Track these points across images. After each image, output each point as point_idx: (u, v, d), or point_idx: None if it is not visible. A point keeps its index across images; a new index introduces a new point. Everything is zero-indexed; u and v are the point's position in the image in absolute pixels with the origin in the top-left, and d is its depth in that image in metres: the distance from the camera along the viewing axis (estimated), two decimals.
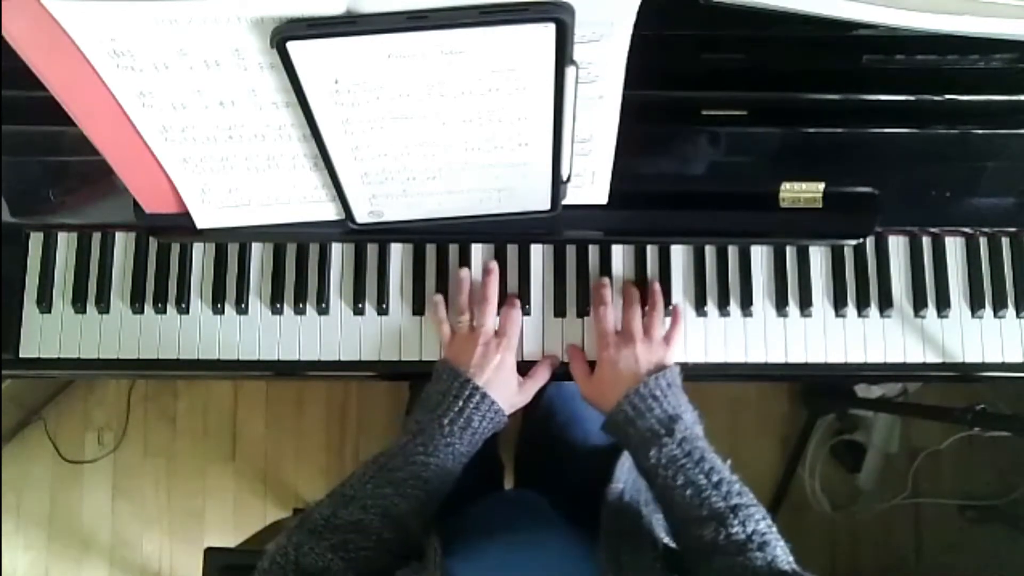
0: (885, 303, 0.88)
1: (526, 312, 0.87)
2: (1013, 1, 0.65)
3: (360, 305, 0.87)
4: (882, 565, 1.72)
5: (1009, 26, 0.66)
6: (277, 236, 0.87)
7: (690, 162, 0.84)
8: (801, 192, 0.84)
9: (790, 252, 0.89)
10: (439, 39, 0.57)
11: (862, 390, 1.67)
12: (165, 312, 0.88)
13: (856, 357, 0.88)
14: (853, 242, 0.88)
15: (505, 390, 0.80)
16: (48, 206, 0.86)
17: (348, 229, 0.81)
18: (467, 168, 0.72)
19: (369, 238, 0.87)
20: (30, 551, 1.76)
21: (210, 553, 1.10)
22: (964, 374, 0.89)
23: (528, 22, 0.56)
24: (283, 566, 0.64)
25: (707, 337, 0.88)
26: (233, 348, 0.88)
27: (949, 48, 0.79)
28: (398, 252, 0.89)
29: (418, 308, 0.88)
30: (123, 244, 0.89)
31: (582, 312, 0.88)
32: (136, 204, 0.80)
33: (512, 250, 0.89)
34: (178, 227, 0.80)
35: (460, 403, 0.76)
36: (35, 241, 0.89)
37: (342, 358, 0.88)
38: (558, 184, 0.76)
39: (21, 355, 0.87)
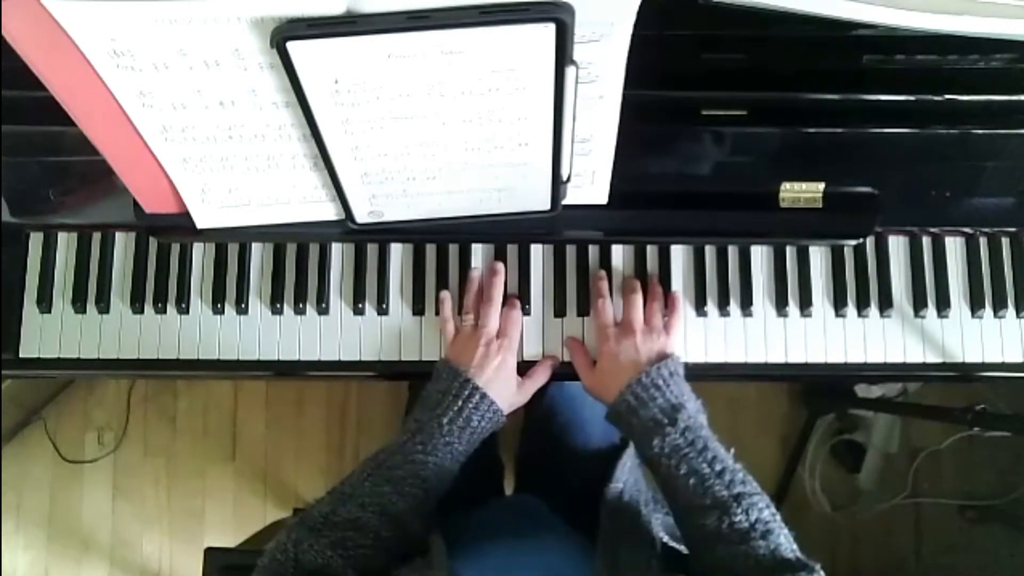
0: (885, 303, 0.88)
1: (526, 312, 0.87)
2: (1013, 1, 0.65)
3: (360, 305, 0.87)
4: (882, 565, 1.72)
5: (1009, 26, 0.66)
6: (277, 236, 0.87)
7: (690, 162, 0.84)
8: (801, 192, 0.84)
9: (790, 252, 0.89)
10: (439, 39, 0.57)
11: (862, 390, 1.67)
12: (165, 312, 0.88)
13: (856, 357, 0.88)
14: (853, 242, 0.88)
15: (505, 390, 0.80)
16: (48, 206, 0.86)
17: (348, 229, 0.81)
18: (467, 168, 0.72)
19: (369, 238, 0.87)
20: (30, 551, 1.76)
21: (210, 553, 1.10)
22: (964, 374, 0.89)
23: (528, 22, 0.56)
24: (283, 563, 0.64)
25: (707, 337, 0.88)
26: (233, 348, 0.88)
27: (949, 48, 0.79)
28: (398, 252, 0.89)
29: (418, 308, 0.88)
30: (123, 244, 0.89)
31: (582, 312, 0.88)
32: (136, 204, 0.80)
33: (512, 250, 0.89)
34: (178, 227, 0.80)
35: (460, 403, 0.76)
36: (35, 241, 0.89)
37: (342, 358, 0.88)
38: (558, 184, 0.76)
39: (21, 355, 0.88)
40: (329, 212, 0.81)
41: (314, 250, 0.89)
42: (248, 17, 0.56)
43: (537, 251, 0.89)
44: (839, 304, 0.88)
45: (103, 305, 0.88)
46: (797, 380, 1.66)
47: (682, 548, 0.77)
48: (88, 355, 0.88)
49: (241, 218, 0.80)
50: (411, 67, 0.59)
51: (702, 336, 0.88)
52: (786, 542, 0.66)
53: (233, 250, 0.89)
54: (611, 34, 0.61)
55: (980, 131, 0.82)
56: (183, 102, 0.64)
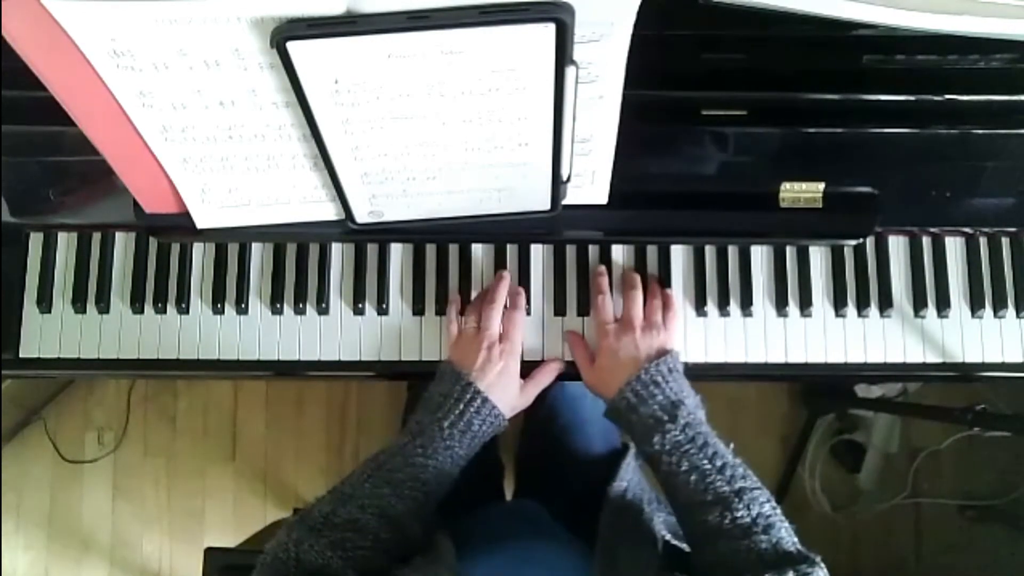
0: (885, 303, 0.88)
1: (526, 312, 0.87)
2: (1013, 1, 0.65)
3: (360, 305, 0.87)
4: (882, 565, 1.72)
5: (1009, 26, 0.66)
6: (277, 236, 0.87)
7: (690, 162, 0.84)
8: (801, 192, 0.84)
9: (790, 252, 0.89)
10: (439, 39, 0.57)
11: (862, 390, 1.67)
12: (165, 312, 0.88)
13: (856, 357, 0.88)
14: (853, 242, 0.88)
15: (507, 394, 0.80)
16: (48, 206, 0.86)
17: (348, 229, 0.81)
18: (467, 168, 0.72)
19: (369, 238, 0.87)
20: (30, 551, 1.76)
21: (210, 553, 1.10)
22: (964, 374, 0.89)
23: (528, 22, 0.56)
24: (284, 561, 0.64)
25: (707, 337, 0.88)
26: (233, 348, 0.88)
27: (949, 48, 0.79)
28: (398, 252, 0.89)
29: (418, 308, 0.88)
30: (123, 244, 0.89)
31: (582, 311, 0.88)
32: (136, 204, 0.80)
33: (512, 250, 0.89)
34: (178, 227, 0.80)
35: (461, 406, 0.76)
36: (35, 241, 0.89)
37: (342, 358, 0.88)
38: (558, 184, 0.76)
39: (21, 355, 0.87)
40: (329, 212, 0.81)
41: (314, 250, 0.89)
42: (248, 17, 0.56)
43: (537, 251, 0.89)
44: (839, 304, 0.88)
45: (103, 305, 0.88)
46: (797, 380, 1.66)
47: (684, 546, 0.77)
48: (88, 355, 0.88)
49: (241, 218, 0.80)
50: (411, 67, 0.59)
51: (702, 336, 0.88)
52: (787, 535, 0.67)
53: (233, 250, 0.89)
54: (611, 34, 0.61)
55: (980, 131, 0.82)
56: (183, 102, 0.64)
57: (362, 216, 0.80)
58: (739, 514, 0.67)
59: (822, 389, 1.69)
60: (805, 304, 0.88)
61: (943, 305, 0.88)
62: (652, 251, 0.89)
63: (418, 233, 0.84)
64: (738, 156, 0.84)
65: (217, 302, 0.87)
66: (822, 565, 0.63)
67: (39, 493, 1.77)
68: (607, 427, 1.00)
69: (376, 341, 0.88)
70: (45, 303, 0.87)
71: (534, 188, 0.77)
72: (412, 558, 0.68)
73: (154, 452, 1.78)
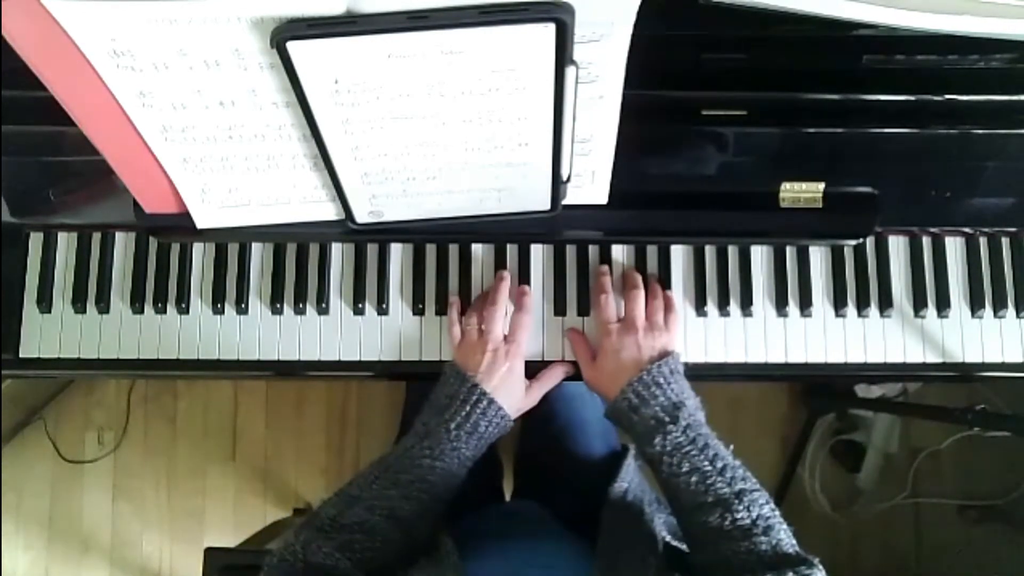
0: (885, 303, 0.88)
1: None
2: (1013, 1, 0.65)
3: (360, 305, 0.87)
4: (882, 565, 1.72)
5: (1009, 26, 0.66)
6: (277, 236, 0.87)
7: (690, 162, 0.84)
8: (801, 192, 0.84)
9: (790, 252, 0.89)
10: (439, 39, 0.57)
11: (862, 390, 1.67)
12: (165, 312, 0.88)
13: (856, 357, 0.88)
14: (853, 242, 0.88)
15: (512, 395, 0.80)
16: (48, 206, 0.86)
17: (348, 229, 0.81)
18: (467, 168, 0.72)
19: (369, 238, 0.87)
20: (30, 551, 1.76)
21: (210, 553, 1.10)
22: (964, 374, 0.89)
23: (528, 22, 0.56)
24: (292, 563, 0.65)
25: (707, 337, 0.88)
26: (233, 348, 0.88)
27: (949, 48, 0.79)
28: (398, 252, 0.89)
29: (418, 308, 0.88)
30: (123, 244, 0.89)
31: (582, 311, 0.88)
32: (136, 204, 0.80)
33: (512, 250, 0.89)
34: (178, 227, 0.80)
35: (467, 408, 0.76)
36: (35, 241, 0.89)
37: (342, 358, 0.87)
38: (558, 184, 0.76)
39: (21, 355, 0.87)
40: (329, 212, 0.81)
41: (314, 250, 0.89)
42: (248, 17, 0.56)
43: (537, 251, 0.89)
44: (839, 304, 0.88)
45: (103, 305, 0.88)
46: (797, 380, 1.66)
47: (684, 547, 0.77)
48: (88, 355, 0.88)
49: (241, 218, 0.80)
50: (411, 67, 0.59)
51: (702, 336, 0.88)
52: (786, 537, 0.67)
53: (233, 250, 0.89)
54: (611, 34, 0.61)
55: (980, 131, 0.82)
56: (183, 102, 0.64)
57: (362, 216, 0.80)
58: (739, 515, 0.67)
59: (822, 389, 1.69)
60: (805, 304, 0.88)
61: (943, 305, 0.88)
62: (652, 251, 0.89)
63: (418, 233, 0.84)
64: (738, 156, 0.84)
65: (217, 302, 0.87)
66: (820, 568, 0.63)
67: (39, 493, 1.77)
68: (606, 428, 1.00)
69: (376, 341, 0.88)
70: (45, 303, 0.87)
71: (534, 188, 0.77)
72: (417, 559, 0.68)
73: (154, 452, 1.78)
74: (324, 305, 0.87)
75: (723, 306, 0.88)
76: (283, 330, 0.88)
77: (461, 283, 0.88)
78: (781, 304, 0.88)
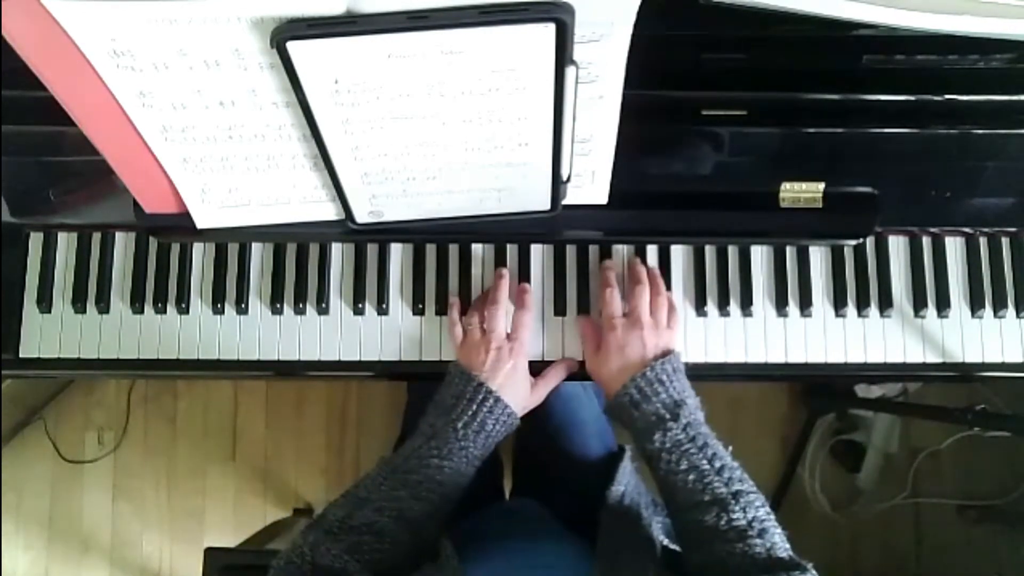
0: (885, 303, 0.88)
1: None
2: (1013, 1, 0.65)
3: (360, 305, 0.87)
4: (882, 565, 1.72)
5: (1009, 26, 0.66)
6: (277, 236, 0.87)
7: (690, 162, 0.84)
8: (801, 192, 0.84)
9: (790, 252, 0.89)
10: (439, 39, 0.57)
11: (862, 390, 1.67)
12: (165, 312, 0.88)
13: (856, 357, 0.88)
14: (853, 242, 0.88)
15: (518, 393, 0.80)
16: (48, 206, 0.86)
17: (348, 229, 0.81)
18: (467, 168, 0.72)
19: (369, 238, 0.87)
20: (30, 551, 1.76)
21: (210, 553, 1.11)
22: (964, 374, 0.89)
23: (528, 22, 0.56)
24: (299, 565, 0.64)
25: (707, 337, 0.88)
26: (233, 348, 0.88)
27: (949, 48, 0.79)
28: (398, 252, 0.89)
29: (418, 308, 0.88)
30: (123, 244, 0.89)
31: (582, 311, 0.88)
32: (136, 204, 0.80)
33: (512, 250, 0.89)
34: (178, 227, 0.80)
35: (474, 407, 0.76)
36: (35, 241, 0.89)
37: (342, 358, 0.87)
38: (558, 184, 0.76)
39: (21, 355, 0.87)
40: (329, 212, 0.81)
41: (314, 250, 0.89)
42: (248, 17, 0.56)
43: (537, 251, 0.89)
44: (839, 304, 0.88)
45: (103, 305, 0.88)
46: (797, 380, 1.66)
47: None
48: (88, 355, 0.87)
49: (241, 218, 0.80)
50: (411, 67, 0.59)
51: (702, 336, 0.88)
52: (780, 541, 0.67)
53: (233, 250, 0.89)
54: (611, 34, 0.61)
55: (980, 131, 0.82)
56: (183, 102, 0.64)
57: (362, 216, 0.80)
58: (735, 516, 0.67)
59: (822, 389, 1.69)
60: (805, 304, 0.88)
61: (943, 305, 0.88)
62: (652, 251, 0.89)
63: (418, 233, 0.84)
64: (738, 156, 0.84)
65: (217, 302, 0.87)
66: (814, 572, 0.63)
67: (39, 493, 1.77)
68: (603, 428, 1.01)
69: (376, 341, 0.88)
70: (45, 303, 0.87)
71: (534, 188, 0.77)
72: (423, 564, 0.68)
73: (154, 452, 1.78)
74: (324, 305, 0.87)
75: (723, 306, 0.88)
76: (283, 330, 0.88)
77: (461, 283, 0.88)
78: (781, 304, 0.88)
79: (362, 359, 0.88)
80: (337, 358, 0.87)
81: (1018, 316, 0.89)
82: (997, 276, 0.89)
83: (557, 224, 0.83)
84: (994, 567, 1.64)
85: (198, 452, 1.77)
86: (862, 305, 0.88)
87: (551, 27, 0.57)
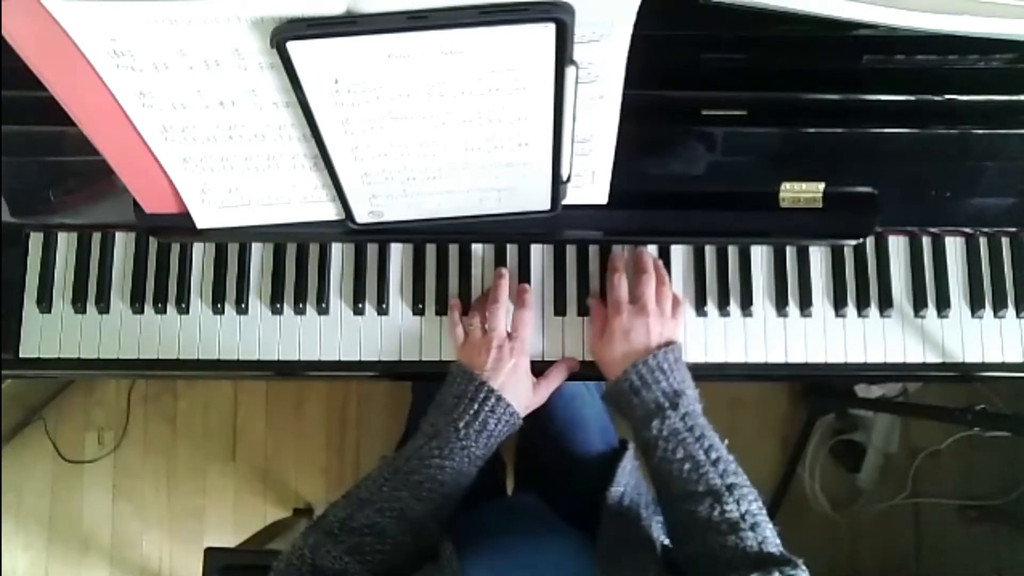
0: (885, 303, 0.88)
1: None
2: (1013, 1, 0.65)
3: (360, 305, 0.87)
4: (882, 565, 1.72)
5: (1009, 26, 0.66)
6: (277, 236, 0.87)
7: (690, 162, 0.84)
8: (801, 192, 0.84)
9: (790, 252, 0.89)
10: (439, 39, 0.57)
11: (862, 390, 1.67)
12: (165, 312, 0.88)
13: (856, 357, 0.88)
14: (853, 242, 0.88)
15: (520, 392, 0.80)
16: (48, 206, 0.86)
17: (348, 229, 0.81)
18: (467, 168, 0.72)
19: (369, 238, 0.87)
20: (30, 551, 1.76)
21: (210, 553, 1.11)
22: (964, 374, 0.89)
23: (528, 22, 0.56)
24: (299, 567, 0.64)
25: (707, 337, 0.88)
26: (233, 348, 0.88)
27: (949, 48, 0.79)
28: (398, 252, 0.89)
29: (418, 308, 0.88)
30: (123, 244, 0.89)
31: (583, 311, 0.88)
32: (136, 204, 0.80)
33: (512, 250, 0.89)
34: (178, 227, 0.80)
35: (476, 406, 0.76)
36: (35, 241, 0.89)
37: (342, 358, 0.88)
38: (558, 184, 0.76)
39: (21, 355, 0.87)
40: (329, 212, 0.81)
41: (314, 250, 0.89)
42: (248, 17, 0.56)
43: (537, 251, 0.89)
44: (839, 304, 0.88)
45: (103, 305, 0.88)
46: (797, 380, 1.67)
47: None
48: (88, 355, 0.88)
49: (241, 218, 0.80)
50: (411, 67, 0.59)
51: (702, 336, 0.88)
52: (772, 536, 0.67)
53: (233, 250, 0.89)
54: (611, 34, 0.61)
55: (980, 131, 0.82)
56: (183, 102, 0.64)
57: (362, 216, 0.80)
58: (728, 508, 0.68)
59: (822, 389, 1.69)
60: (805, 304, 0.88)
61: (943, 305, 0.88)
62: (652, 251, 0.89)
63: (418, 233, 0.84)
64: (738, 156, 0.84)
65: (217, 302, 0.87)
66: (804, 569, 0.63)
67: (39, 493, 1.77)
68: (605, 426, 1.01)
69: (376, 341, 0.88)
70: (45, 303, 0.87)
71: (534, 188, 0.77)
72: (423, 565, 0.68)
73: (154, 452, 1.78)
74: (324, 305, 0.87)
75: (723, 306, 0.88)
76: (283, 330, 0.88)
77: (461, 283, 0.88)
78: (781, 304, 0.88)
79: (362, 359, 0.88)
80: (337, 358, 0.88)
81: (1018, 316, 0.89)
82: (997, 276, 0.89)
83: (557, 224, 0.83)
84: (994, 567, 1.64)
85: (198, 452, 1.77)
86: (862, 305, 0.88)
87: (551, 27, 0.57)
